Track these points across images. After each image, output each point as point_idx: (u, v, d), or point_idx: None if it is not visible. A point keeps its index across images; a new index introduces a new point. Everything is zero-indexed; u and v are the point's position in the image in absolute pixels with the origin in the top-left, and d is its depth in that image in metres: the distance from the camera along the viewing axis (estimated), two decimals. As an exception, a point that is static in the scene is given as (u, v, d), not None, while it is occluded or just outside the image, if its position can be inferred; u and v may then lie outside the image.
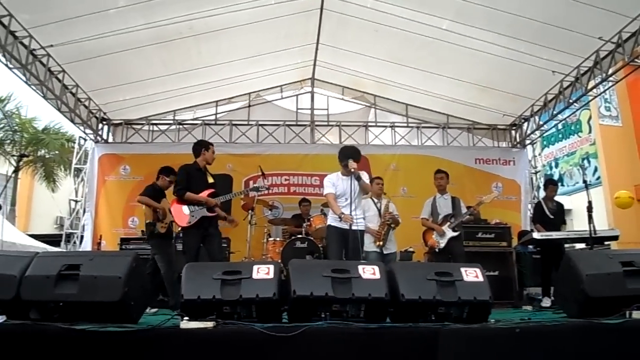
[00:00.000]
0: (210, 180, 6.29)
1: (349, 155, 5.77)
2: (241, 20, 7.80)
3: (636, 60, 7.29)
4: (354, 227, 5.46)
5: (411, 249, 8.72)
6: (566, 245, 7.40)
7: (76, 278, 3.48)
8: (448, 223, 6.95)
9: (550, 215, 7.53)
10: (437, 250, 7.00)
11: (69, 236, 10.23)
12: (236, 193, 7.39)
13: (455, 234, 6.90)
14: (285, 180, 10.42)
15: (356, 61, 9.64)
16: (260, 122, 10.86)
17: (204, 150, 6.29)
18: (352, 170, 5.56)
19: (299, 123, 11.02)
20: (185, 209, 5.98)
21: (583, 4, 6.51)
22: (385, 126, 11.17)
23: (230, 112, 11.01)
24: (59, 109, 8.76)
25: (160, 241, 6.51)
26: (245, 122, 10.87)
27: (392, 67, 9.38)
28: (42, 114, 18.71)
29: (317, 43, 9.41)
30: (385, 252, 6.77)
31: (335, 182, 5.80)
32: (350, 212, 5.45)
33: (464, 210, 7.07)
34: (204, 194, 6.06)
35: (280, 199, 10.01)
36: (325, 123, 11.06)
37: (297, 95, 11.22)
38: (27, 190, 21.10)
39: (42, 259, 3.69)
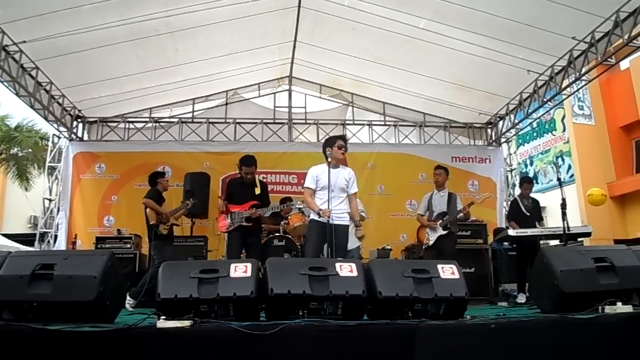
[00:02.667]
0: (257, 192, 6.83)
1: (332, 141, 5.58)
2: (218, 18, 7.76)
3: (609, 59, 7.41)
4: (338, 222, 5.28)
5: (388, 247, 8.79)
6: (541, 242, 7.51)
7: (50, 277, 3.41)
8: (440, 221, 6.97)
9: (526, 212, 7.61)
10: (424, 247, 7.07)
11: (42, 235, 10.09)
12: (275, 206, 7.45)
13: (445, 232, 6.92)
14: (263, 178, 10.38)
15: (334, 59, 9.66)
16: (238, 120, 10.83)
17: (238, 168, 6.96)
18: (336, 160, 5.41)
19: (276, 121, 11.01)
20: (228, 217, 6.65)
21: (557, 4, 6.61)
22: (363, 124, 11.21)
23: (207, 110, 10.96)
24: (32, 106, 8.61)
25: (160, 242, 6.90)
26: (223, 120, 10.83)
27: (369, 65, 9.42)
28: (15, 111, 18.35)
29: (295, 41, 9.39)
30: None
31: (319, 175, 5.48)
32: (329, 205, 5.25)
33: (459, 207, 7.06)
34: (247, 205, 6.66)
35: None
36: (303, 121, 11.06)
37: (274, 93, 11.21)
38: (0, 189, 20.71)
39: (15, 259, 3.61)
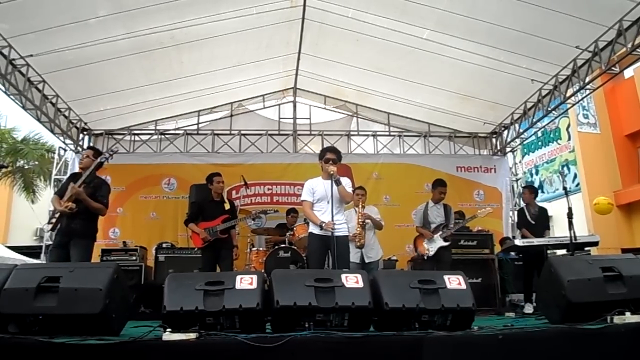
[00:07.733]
0: (227, 207, 6.92)
1: (321, 155, 5.65)
2: (223, 30, 7.80)
3: (613, 68, 7.40)
4: (337, 234, 5.24)
5: (394, 257, 8.76)
6: (548, 251, 7.46)
7: (56, 290, 3.41)
8: (440, 232, 6.96)
9: (532, 220, 7.57)
10: (425, 257, 7.02)
11: (48, 247, 10.08)
12: (240, 219, 7.51)
13: (446, 243, 6.93)
14: (268, 189, 10.40)
15: (338, 70, 9.69)
16: (243, 132, 10.85)
17: (209, 184, 6.97)
18: (331, 173, 5.33)
19: (281, 132, 11.03)
20: (202, 232, 6.69)
21: (560, 14, 6.62)
22: (367, 135, 11.23)
23: (212, 122, 10.99)
24: (38, 119, 8.65)
25: None
26: (228, 132, 10.87)
27: (373, 76, 9.44)
28: (22, 124, 18.53)
29: (299, 52, 9.43)
30: (366, 260, 6.78)
31: (314, 187, 5.53)
32: (332, 217, 5.22)
33: (452, 217, 7.11)
34: (220, 219, 6.74)
35: (264, 209, 9.97)
36: (308, 132, 11.10)
37: (279, 105, 11.24)
38: (6, 202, 20.76)
39: (21, 271, 3.61)
